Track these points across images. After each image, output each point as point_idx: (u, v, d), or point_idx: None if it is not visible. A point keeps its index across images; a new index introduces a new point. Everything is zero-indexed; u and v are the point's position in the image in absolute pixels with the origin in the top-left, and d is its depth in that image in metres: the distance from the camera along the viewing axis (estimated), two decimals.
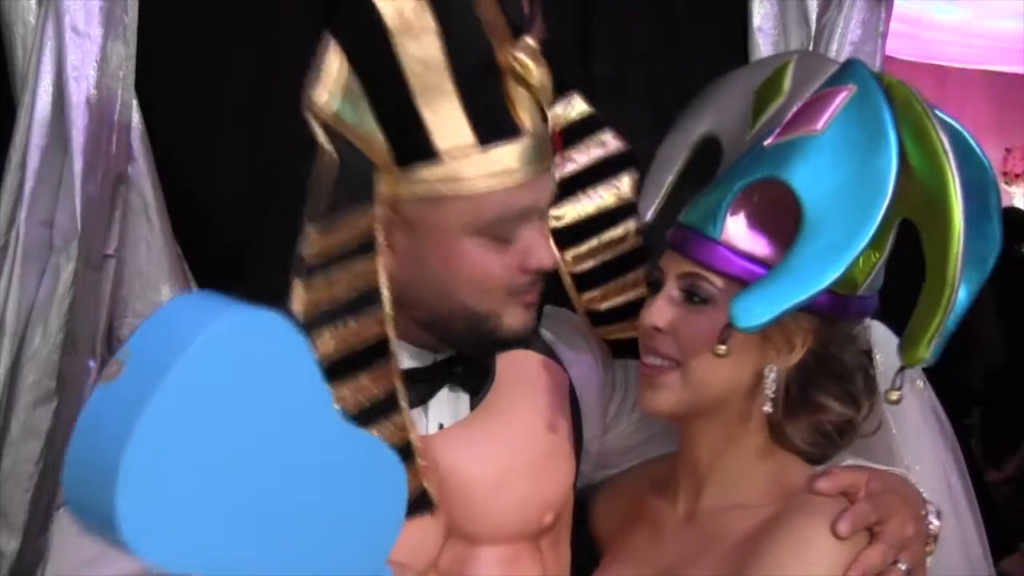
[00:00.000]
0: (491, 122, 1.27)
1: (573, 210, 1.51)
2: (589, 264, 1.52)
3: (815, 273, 1.25)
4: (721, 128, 1.48)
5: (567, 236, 1.51)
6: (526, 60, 1.28)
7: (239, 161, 1.88)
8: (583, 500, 1.56)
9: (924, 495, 1.38)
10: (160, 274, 1.80)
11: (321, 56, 1.26)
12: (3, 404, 1.71)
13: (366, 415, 1.27)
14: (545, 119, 1.33)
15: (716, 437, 1.42)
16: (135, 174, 1.77)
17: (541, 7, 1.31)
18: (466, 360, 1.42)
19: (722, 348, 1.32)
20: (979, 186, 1.34)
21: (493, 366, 1.45)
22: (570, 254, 1.51)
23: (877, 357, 1.40)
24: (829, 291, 1.30)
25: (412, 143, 1.26)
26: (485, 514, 1.39)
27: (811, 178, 1.31)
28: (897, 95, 1.31)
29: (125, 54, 1.72)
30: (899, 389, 1.32)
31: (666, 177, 1.50)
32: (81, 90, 1.69)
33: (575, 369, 1.52)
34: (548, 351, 1.51)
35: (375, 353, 1.29)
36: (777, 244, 1.33)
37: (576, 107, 1.52)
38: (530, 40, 1.29)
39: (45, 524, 1.76)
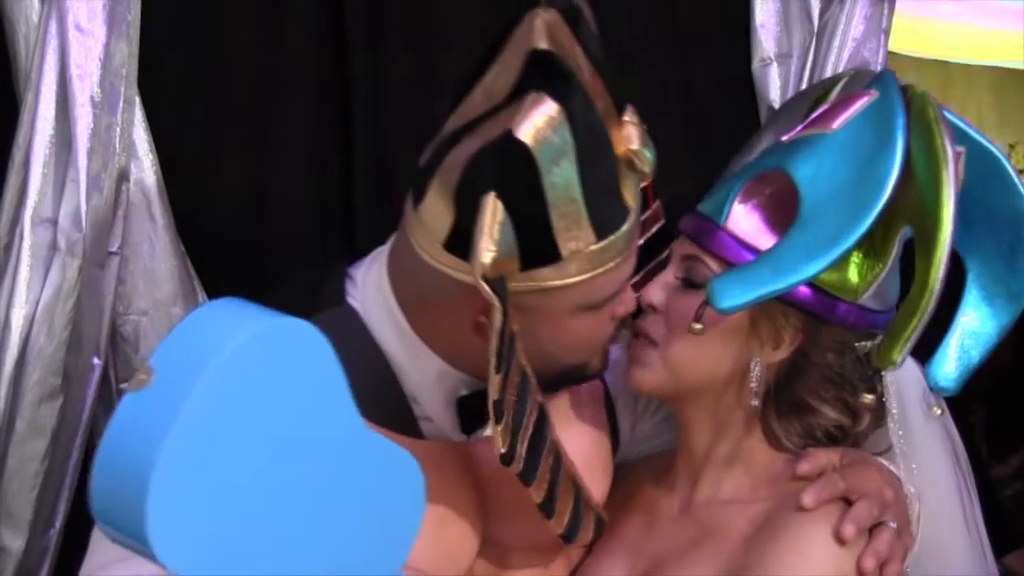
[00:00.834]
0: (609, 218, 1.26)
1: None
2: None
3: (797, 264, 1.26)
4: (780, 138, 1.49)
5: None
6: (643, 153, 1.27)
7: (243, 158, 1.88)
8: None
9: (902, 477, 1.40)
10: (163, 271, 1.80)
11: (473, 218, 1.19)
12: (8, 402, 1.71)
13: (552, 485, 1.30)
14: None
15: (708, 427, 1.44)
16: (138, 172, 1.77)
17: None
18: None
19: (697, 326, 1.34)
20: (1011, 216, 1.33)
21: None
22: None
23: (888, 377, 1.40)
24: (821, 291, 1.31)
25: (540, 252, 1.25)
26: (526, 523, 1.38)
27: (814, 173, 1.32)
28: (915, 105, 1.31)
29: (128, 52, 1.72)
30: (935, 405, 1.36)
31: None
32: (84, 88, 1.69)
33: (609, 375, 1.52)
34: None
35: (542, 425, 1.29)
36: (779, 238, 1.34)
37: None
38: (633, 119, 1.28)
39: (50, 522, 1.77)
